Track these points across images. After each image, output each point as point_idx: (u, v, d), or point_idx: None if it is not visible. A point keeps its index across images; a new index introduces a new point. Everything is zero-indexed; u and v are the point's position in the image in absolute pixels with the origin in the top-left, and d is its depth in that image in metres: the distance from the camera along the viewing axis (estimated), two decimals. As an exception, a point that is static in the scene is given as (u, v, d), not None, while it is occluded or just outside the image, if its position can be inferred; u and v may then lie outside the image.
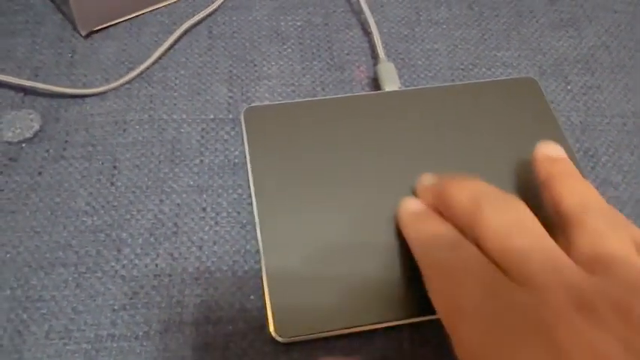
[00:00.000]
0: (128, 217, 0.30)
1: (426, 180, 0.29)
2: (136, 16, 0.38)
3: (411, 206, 0.28)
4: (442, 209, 0.26)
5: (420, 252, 0.26)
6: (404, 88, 0.35)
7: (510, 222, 0.23)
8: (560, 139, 0.33)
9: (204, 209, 0.30)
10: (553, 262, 0.22)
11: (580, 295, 0.20)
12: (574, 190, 0.26)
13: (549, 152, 0.28)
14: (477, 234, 0.24)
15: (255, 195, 0.30)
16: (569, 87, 0.37)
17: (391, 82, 0.34)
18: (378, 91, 0.34)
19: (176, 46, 0.37)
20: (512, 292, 0.21)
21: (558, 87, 0.37)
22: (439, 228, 0.26)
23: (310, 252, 0.28)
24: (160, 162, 0.32)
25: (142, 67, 0.35)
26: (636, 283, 0.21)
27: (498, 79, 0.35)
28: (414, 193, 0.29)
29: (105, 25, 0.37)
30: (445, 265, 0.24)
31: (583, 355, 0.19)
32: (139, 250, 0.29)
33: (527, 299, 0.21)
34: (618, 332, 0.19)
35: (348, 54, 0.38)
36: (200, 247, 0.29)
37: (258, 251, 0.29)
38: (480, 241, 0.24)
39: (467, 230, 0.24)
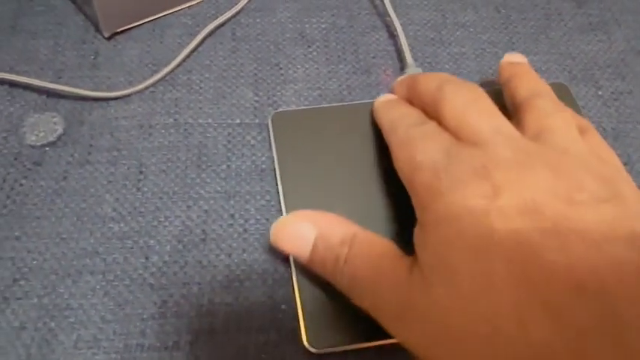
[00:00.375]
0: (155, 223, 0.29)
1: (401, 77, 0.33)
2: (159, 17, 0.38)
3: (384, 97, 0.32)
4: (412, 98, 0.30)
5: (388, 130, 0.29)
6: (433, 93, 0.34)
7: (467, 101, 0.26)
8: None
9: (232, 216, 0.30)
10: (500, 129, 0.25)
11: (521, 152, 0.23)
12: (528, 82, 0.29)
13: (512, 58, 0.32)
14: (438, 113, 0.27)
15: (285, 201, 0.29)
16: (599, 92, 0.36)
17: (420, 87, 0.34)
18: (407, 96, 0.34)
19: (200, 49, 0.36)
20: (463, 148, 0.24)
21: (589, 92, 0.36)
22: (407, 110, 0.29)
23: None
24: (186, 167, 0.31)
25: (166, 69, 0.35)
26: (571, 149, 0.24)
27: (529, 84, 0.35)
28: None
29: (128, 27, 0.37)
30: (409, 137, 0.27)
31: (512, 189, 0.22)
32: (167, 258, 0.28)
33: (475, 152, 0.24)
34: (547, 177, 0.22)
35: (374, 57, 0.37)
36: (229, 255, 0.29)
37: (287, 259, 0.29)
38: (441, 119, 0.26)
39: (431, 112, 0.28)
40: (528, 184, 0.22)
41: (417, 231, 0.24)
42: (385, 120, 0.30)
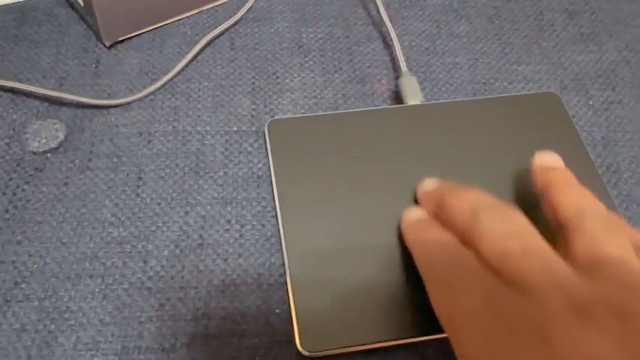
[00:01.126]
0: (154, 228, 0.30)
1: (428, 186, 0.29)
2: (159, 27, 0.38)
3: (413, 215, 0.29)
4: (442, 218, 0.27)
5: (422, 261, 0.26)
6: (426, 102, 0.35)
7: (507, 230, 0.24)
8: (584, 155, 0.33)
9: (228, 221, 0.31)
10: (549, 267, 0.22)
11: (577, 298, 0.21)
12: (571, 196, 0.26)
13: (546, 162, 0.29)
14: (475, 243, 0.24)
15: (280, 208, 0.30)
16: (590, 102, 0.37)
17: (414, 96, 0.35)
18: (402, 105, 0.34)
19: (199, 58, 0.37)
20: (510, 297, 0.22)
21: (580, 102, 0.37)
22: (440, 237, 0.26)
23: (336, 265, 0.28)
24: (184, 174, 0.32)
25: (166, 78, 0.35)
26: (634, 284, 0.21)
27: (521, 93, 0.36)
28: (416, 198, 0.30)
29: (128, 36, 0.37)
30: (445, 274, 0.24)
31: (580, 359, 0.19)
32: (164, 262, 0.29)
33: (524, 304, 0.21)
34: (616, 335, 0.19)
35: (369, 67, 0.38)
36: (225, 260, 0.29)
37: (283, 264, 0.29)
38: (479, 249, 0.24)
39: (466, 239, 0.25)
40: (593, 349, 0.19)
41: None
42: (415, 246, 0.27)
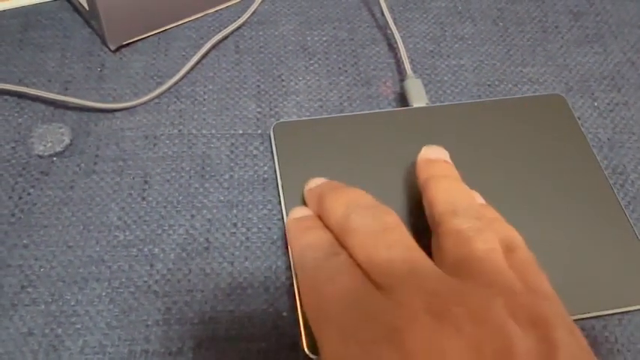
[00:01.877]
0: (160, 232, 0.30)
1: (312, 183, 0.29)
2: (164, 30, 0.38)
3: (296, 213, 0.28)
4: (321, 217, 0.27)
5: (297, 260, 0.26)
6: (432, 105, 0.35)
7: (376, 229, 0.24)
8: (589, 157, 0.33)
9: (235, 225, 0.31)
10: (414, 267, 0.22)
11: (436, 299, 0.21)
12: (444, 191, 0.26)
13: (430, 154, 0.28)
14: (346, 242, 0.24)
15: (286, 211, 0.30)
16: (595, 104, 0.37)
17: (419, 99, 0.35)
18: (407, 107, 0.34)
19: (204, 61, 0.37)
20: (374, 299, 0.22)
21: (585, 104, 0.37)
22: (317, 237, 0.26)
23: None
24: (190, 177, 0.32)
25: (171, 81, 0.35)
26: (495, 282, 0.21)
27: (526, 95, 0.36)
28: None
29: (133, 40, 0.37)
30: (316, 274, 0.24)
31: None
32: (171, 266, 0.29)
33: (384, 305, 0.21)
34: (470, 338, 0.19)
35: (374, 69, 0.38)
36: (232, 263, 0.29)
37: (289, 267, 0.29)
38: (350, 250, 0.24)
39: (339, 239, 0.25)
40: (445, 350, 0.19)
41: None
42: (293, 244, 0.27)
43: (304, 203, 0.30)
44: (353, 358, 0.20)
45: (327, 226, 0.26)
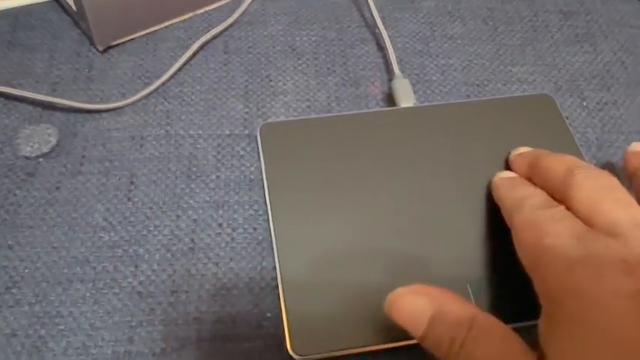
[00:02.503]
0: (145, 232, 0.30)
1: (521, 149, 0.31)
2: (153, 31, 0.38)
3: (504, 174, 0.31)
4: (535, 177, 0.28)
5: (512, 210, 0.27)
6: (419, 105, 0.35)
7: (601, 188, 0.25)
8: (577, 156, 0.32)
9: (220, 225, 0.31)
10: (635, 217, 0.23)
11: None
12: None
13: (637, 147, 0.31)
14: (569, 194, 0.25)
15: (272, 211, 0.30)
16: (584, 103, 0.37)
17: (407, 98, 0.34)
18: (394, 107, 0.34)
19: (192, 61, 0.37)
20: (599, 239, 0.23)
21: (574, 103, 0.37)
22: (532, 191, 0.27)
23: (327, 269, 0.28)
24: (176, 177, 0.32)
25: (159, 82, 0.35)
26: None
27: (514, 95, 0.35)
28: (507, 162, 0.32)
29: (122, 41, 0.37)
30: (536, 219, 0.25)
31: None
32: (155, 266, 0.29)
33: (612, 245, 0.22)
34: None
35: (362, 69, 0.38)
36: (217, 264, 0.29)
37: (274, 268, 0.29)
38: (571, 204, 0.25)
39: (558, 195, 0.26)
40: None
41: (544, 324, 0.23)
42: (507, 198, 0.28)
43: (290, 204, 0.30)
44: (583, 283, 0.21)
45: (541, 186, 0.28)
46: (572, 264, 0.22)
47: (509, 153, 0.32)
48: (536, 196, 0.27)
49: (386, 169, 0.32)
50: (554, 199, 0.26)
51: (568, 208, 0.25)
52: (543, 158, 0.28)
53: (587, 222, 0.24)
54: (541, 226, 0.24)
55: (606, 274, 0.21)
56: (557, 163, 0.27)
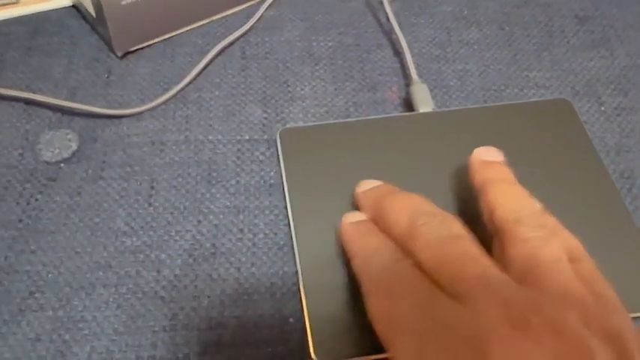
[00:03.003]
0: (166, 237, 0.30)
1: (366, 185, 0.29)
2: (170, 37, 0.39)
3: (352, 218, 0.28)
4: (380, 222, 0.27)
5: (360, 266, 0.26)
6: (438, 110, 0.35)
7: (444, 239, 0.24)
8: (596, 162, 0.33)
9: (241, 230, 0.31)
10: (485, 274, 0.22)
11: (512, 309, 0.21)
12: (506, 197, 0.26)
13: (485, 156, 0.28)
14: (412, 249, 0.24)
15: (292, 216, 0.30)
16: (602, 108, 0.37)
17: (425, 104, 0.35)
18: (413, 113, 0.34)
19: (210, 67, 0.37)
20: (446, 306, 0.22)
21: (592, 108, 0.37)
22: (380, 241, 0.26)
23: (349, 273, 0.28)
24: (196, 182, 0.32)
25: (177, 87, 0.36)
26: (566, 293, 0.21)
27: (532, 100, 0.36)
28: (354, 198, 0.30)
29: (140, 47, 0.38)
30: (382, 280, 0.24)
31: None
32: (178, 271, 0.29)
33: (459, 313, 0.21)
34: (552, 349, 0.19)
35: (380, 74, 0.38)
36: (238, 269, 0.29)
37: (296, 273, 0.29)
38: (416, 257, 0.24)
39: (404, 246, 0.25)
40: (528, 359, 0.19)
41: None
42: (354, 250, 0.27)
43: (311, 208, 0.30)
44: None
45: (386, 232, 0.26)
46: (421, 340, 0.21)
47: (528, 156, 0.32)
48: (382, 249, 0.25)
49: (405, 174, 0.32)
50: (400, 246, 0.25)
51: (415, 262, 0.24)
52: (386, 202, 0.27)
53: (435, 280, 0.23)
54: (390, 291, 0.24)
55: (454, 352, 0.20)
56: (400, 209, 0.26)
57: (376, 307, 0.24)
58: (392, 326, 0.23)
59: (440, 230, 0.24)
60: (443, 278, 0.23)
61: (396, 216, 0.26)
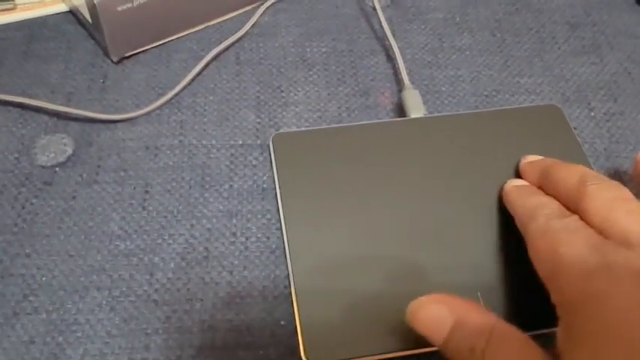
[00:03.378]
0: (160, 241, 0.31)
1: (532, 157, 0.32)
2: (166, 42, 0.39)
3: (515, 181, 0.31)
4: (547, 187, 0.29)
5: (526, 220, 0.27)
6: (429, 115, 0.35)
7: (613, 199, 0.25)
8: (586, 166, 0.33)
9: (234, 234, 0.31)
10: None
11: None
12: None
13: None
14: (582, 205, 0.26)
15: (285, 220, 0.30)
16: (592, 114, 0.37)
17: (417, 109, 0.35)
18: (404, 118, 0.35)
19: (204, 72, 0.38)
20: (614, 250, 0.23)
21: (581, 114, 0.37)
22: (545, 200, 0.28)
23: (340, 277, 0.29)
24: (190, 187, 0.33)
25: (172, 92, 0.36)
26: None
27: (522, 106, 0.36)
28: (517, 171, 0.32)
29: (136, 52, 0.38)
30: (551, 228, 0.25)
31: None
32: (170, 275, 0.29)
33: (629, 256, 0.22)
34: None
35: (372, 80, 0.38)
36: (231, 272, 0.30)
37: (287, 276, 0.30)
38: (585, 211, 0.25)
39: (571, 205, 0.27)
40: None
41: (562, 333, 0.23)
42: (520, 207, 0.29)
43: (303, 213, 0.30)
44: (601, 295, 0.22)
45: (553, 195, 0.28)
46: (589, 273, 0.22)
47: (519, 162, 0.32)
48: (549, 205, 0.27)
49: (397, 179, 0.32)
50: (567, 209, 0.27)
51: (581, 219, 0.25)
52: (555, 168, 0.29)
53: (601, 233, 0.24)
54: (556, 236, 0.25)
55: (625, 284, 0.22)
56: (569, 173, 0.28)
57: (541, 250, 0.25)
58: (558, 262, 0.24)
59: (609, 191, 0.26)
60: (611, 230, 0.24)
61: (566, 178, 0.28)
